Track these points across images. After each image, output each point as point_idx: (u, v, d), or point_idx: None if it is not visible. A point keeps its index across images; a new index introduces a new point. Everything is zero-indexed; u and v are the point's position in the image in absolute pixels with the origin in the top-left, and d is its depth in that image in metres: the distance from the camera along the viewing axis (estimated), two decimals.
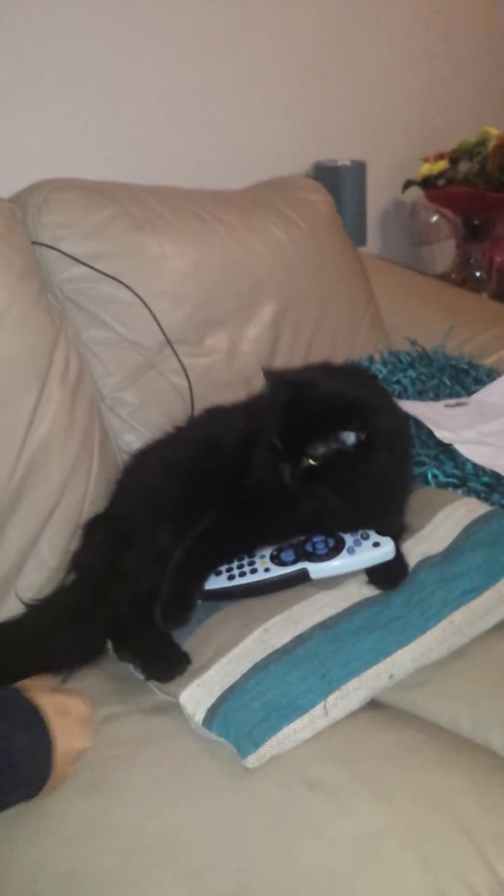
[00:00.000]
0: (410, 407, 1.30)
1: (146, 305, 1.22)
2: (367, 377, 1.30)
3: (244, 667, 0.85)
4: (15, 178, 1.25)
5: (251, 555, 0.98)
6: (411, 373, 1.45)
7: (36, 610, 1.01)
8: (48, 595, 1.04)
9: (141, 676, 0.90)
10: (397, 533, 1.00)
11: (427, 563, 0.98)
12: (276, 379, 0.99)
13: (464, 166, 2.25)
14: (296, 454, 0.93)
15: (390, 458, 0.95)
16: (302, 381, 0.98)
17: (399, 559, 0.97)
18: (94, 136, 1.50)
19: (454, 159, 2.25)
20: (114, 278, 1.20)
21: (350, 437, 0.91)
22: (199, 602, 0.96)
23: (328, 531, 0.97)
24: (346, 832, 0.71)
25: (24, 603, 1.02)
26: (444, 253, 2.27)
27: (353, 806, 0.74)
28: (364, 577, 0.96)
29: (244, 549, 0.99)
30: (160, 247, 1.25)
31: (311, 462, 0.92)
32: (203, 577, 0.97)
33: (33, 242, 1.17)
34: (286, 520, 0.98)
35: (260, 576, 0.96)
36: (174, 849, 0.71)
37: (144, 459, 1.15)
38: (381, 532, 0.97)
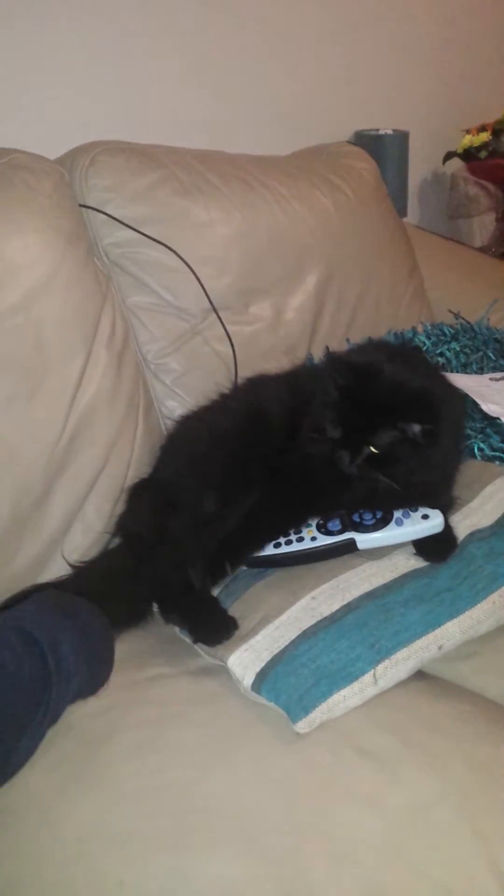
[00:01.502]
0: (455, 380, 1.28)
1: (192, 271, 1.21)
2: (427, 362, 1.27)
3: (292, 633, 0.85)
4: (61, 140, 1.24)
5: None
6: (454, 345, 1.43)
7: (82, 572, 1.02)
8: (94, 557, 1.05)
9: (188, 639, 0.90)
10: (446, 506, 0.99)
11: (476, 536, 0.97)
12: (339, 361, 0.95)
13: None
14: (357, 441, 0.91)
15: (450, 445, 0.94)
16: (366, 366, 0.94)
17: (447, 532, 0.96)
18: (140, 101, 1.49)
19: (497, 131, 2.20)
20: (160, 243, 1.19)
21: (416, 429, 0.89)
22: (245, 568, 0.96)
23: (378, 508, 0.96)
24: (398, 800, 0.71)
25: (70, 565, 1.03)
26: (484, 226, 2.23)
27: (405, 774, 0.74)
28: (411, 549, 0.96)
29: (292, 524, 0.99)
30: (207, 212, 1.24)
31: (373, 450, 0.91)
32: (251, 549, 0.97)
33: (81, 205, 1.16)
34: (335, 498, 0.98)
35: (306, 544, 0.96)
36: (226, 811, 0.71)
37: (190, 426, 1.14)
38: (429, 505, 0.96)
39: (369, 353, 1.09)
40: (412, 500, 0.96)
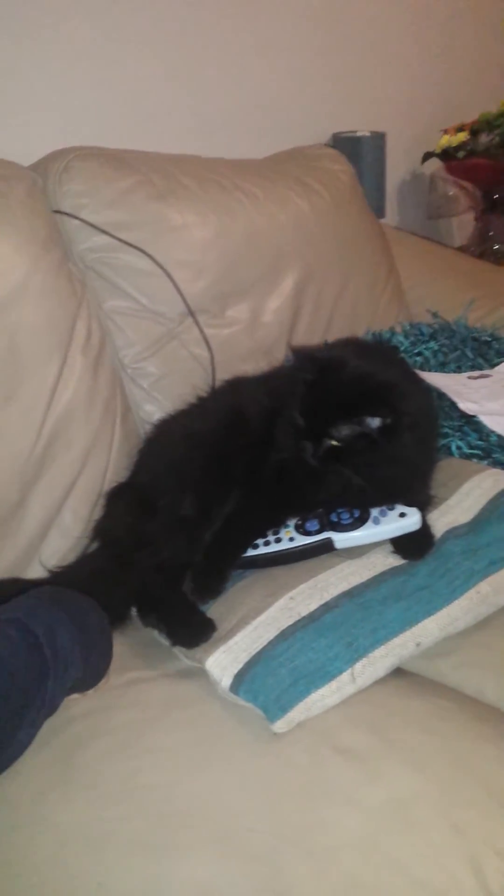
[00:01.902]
0: (433, 378, 1.29)
1: (168, 275, 1.21)
2: (395, 358, 1.28)
3: (270, 633, 0.85)
4: (35, 146, 1.24)
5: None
6: (433, 345, 1.43)
7: (60, 576, 1.01)
8: (72, 562, 1.05)
9: (166, 642, 0.90)
10: (423, 504, 0.99)
11: (453, 533, 0.97)
12: (304, 356, 0.97)
13: (484, 138, 2.21)
14: (318, 433, 0.92)
15: (414, 441, 0.94)
16: (330, 360, 0.96)
17: (425, 529, 0.96)
18: (114, 106, 1.49)
19: (474, 131, 2.21)
20: (136, 247, 1.19)
21: (375, 422, 0.90)
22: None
23: (354, 506, 0.96)
24: (377, 797, 0.72)
25: (48, 570, 1.03)
26: (463, 226, 2.25)
27: (383, 771, 0.74)
28: (389, 547, 0.96)
29: (272, 524, 0.99)
30: (182, 216, 1.24)
31: (334, 442, 0.91)
32: (238, 552, 0.97)
33: (55, 211, 1.16)
34: (312, 496, 0.98)
35: (285, 545, 0.96)
36: (204, 813, 0.71)
37: (167, 429, 1.15)
38: (406, 503, 0.96)
39: (339, 348, 1.10)
40: (384, 496, 0.96)
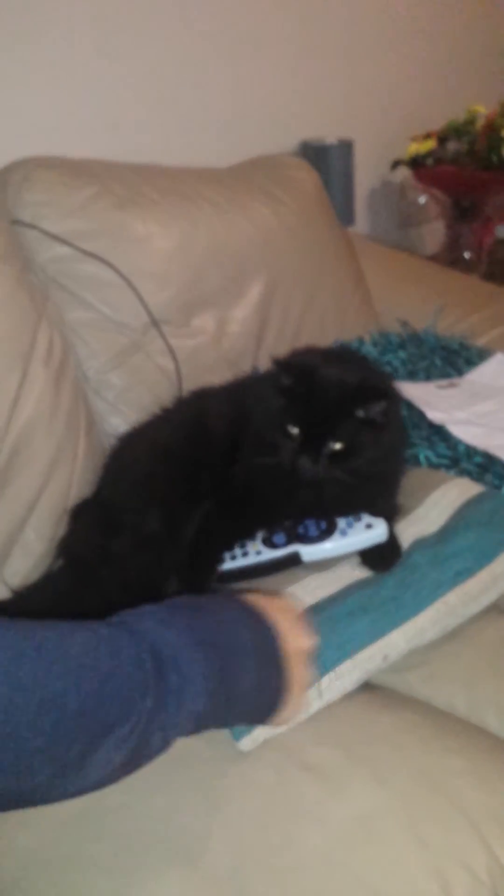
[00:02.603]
0: (402, 388, 1.28)
1: (131, 285, 1.20)
2: (358, 358, 1.29)
3: None
4: None
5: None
6: (402, 354, 1.43)
7: (23, 596, 0.99)
8: (35, 581, 1.02)
9: None
10: (390, 514, 0.98)
11: (420, 544, 0.96)
12: (285, 365, 0.96)
13: (452, 146, 2.23)
14: (318, 440, 0.91)
15: (396, 432, 0.96)
16: (308, 366, 0.95)
17: (392, 541, 0.95)
18: (75, 114, 1.47)
19: (442, 138, 2.22)
20: (97, 257, 1.18)
21: (377, 407, 0.91)
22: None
23: (324, 515, 0.95)
24: (342, 814, 0.70)
25: (11, 590, 1.00)
26: (434, 234, 2.25)
27: (349, 787, 0.73)
28: (356, 559, 0.95)
29: (241, 537, 0.98)
30: (144, 226, 1.23)
31: (336, 446, 0.91)
32: (223, 546, 0.97)
33: (13, 222, 1.14)
34: (282, 506, 0.97)
35: (252, 559, 0.95)
36: (168, 833, 0.69)
37: (131, 443, 1.13)
38: (374, 514, 0.95)
39: (305, 356, 1.10)
40: (359, 502, 0.96)
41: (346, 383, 0.93)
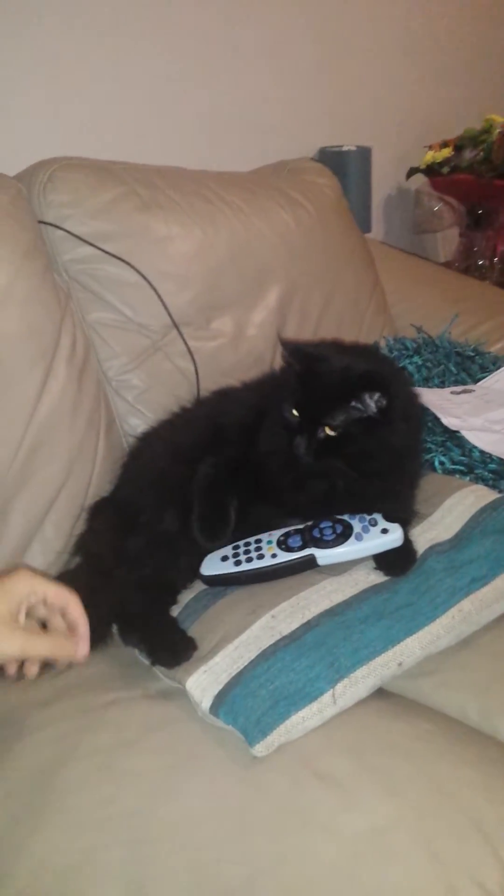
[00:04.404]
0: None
1: (152, 287, 1.20)
2: (379, 353, 1.31)
3: (251, 653, 0.84)
4: (19, 156, 1.23)
5: (258, 539, 0.97)
6: (416, 359, 1.43)
7: None
8: (53, 578, 1.03)
9: (147, 661, 0.89)
10: (406, 519, 0.99)
11: (435, 550, 0.97)
12: (293, 349, 0.98)
13: (468, 154, 2.23)
14: (313, 424, 0.92)
15: (406, 432, 0.96)
16: (317, 352, 0.97)
17: (407, 546, 0.96)
18: (100, 118, 1.48)
19: (459, 147, 2.23)
20: (120, 259, 1.18)
21: (371, 403, 0.91)
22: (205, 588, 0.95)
23: (337, 512, 0.96)
24: (354, 826, 0.70)
25: None
26: (448, 241, 2.26)
27: (361, 799, 0.72)
28: (371, 564, 0.95)
29: (252, 531, 0.98)
30: (167, 228, 1.23)
31: (329, 432, 0.92)
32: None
33: (39, 222, 1.15)
34: (294, 498, 0.97)
35: (267, 561, 0.95)
36: (179, 841, 0.69)
37: (150, 442, 1.14)
38: (390, 518, 0.96)
39: (325, 346, 1.11)
40: (371, 499, 0.96)
41: (349, 372, 0.94)
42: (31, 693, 0.85)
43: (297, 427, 0.94)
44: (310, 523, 0.97)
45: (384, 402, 0.92)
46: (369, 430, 0.93)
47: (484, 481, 1.12)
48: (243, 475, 1.00)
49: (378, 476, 0.96)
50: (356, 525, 0.95)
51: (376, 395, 0.91)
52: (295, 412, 0.94)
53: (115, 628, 0.94)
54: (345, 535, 0.95)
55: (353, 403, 0.92)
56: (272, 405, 1.01)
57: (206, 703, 0.80)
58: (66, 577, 1.03)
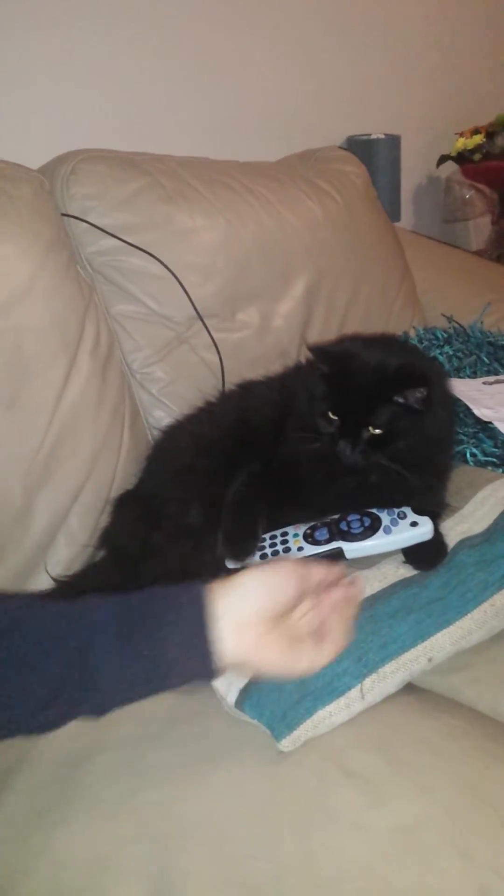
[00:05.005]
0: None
1: (177, 278, 1.19)
2: (406, 343, 1.28)
3: None
4: (42, 148, 1.23)
5: (284, 532, 0.96)
6: (447, 349, 1.40)
7: (65, 586, 0.99)
8: (78, 571, 1.03)
9: None
10: (437, 511, 0.96)
11: (467, 543, 0.94)
12: (318, 352, 0.96)
13: (500, 141, 2.19)
14: (356, 426, 0.90)
15: (445, 419, 0.94)
16: (345, 350, 0.95)
17: (437, 539, 0.93)
18: (122, 109, 1.48)
19: (490, 133, 2.19)
20: (144, 250, 1.18)
21: (416, 394, 0.89)
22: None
23: (365, 505, 0.94)
24: (383, 824, 0.68)
25: (53, 579, 1.01)
26: (479, 229, 2.22)
27: (391, 796, 0.70)
28: (400, 557, 0.93)
29: (281, 517, 0.97)
30: (191, 219, 1.22)
31: (375, 432, 0.90)
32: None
33: (62, 214, 1.15)
34: (322, 497, 0.96)
35: (293, 555, 0.94)
36: (205, 836, 0.68)
37: (175, 435, 1.13)
38: (420, 511, 0.93)
39: (348, 342, 1.08)
40: (402, 493, 0.94)
41: (385, 368, 0.92)
42: None
43: (339, 431, 0.91)
44: (336, 516, 0.95)
45: (425, 392, 0.90)
46: (412, 422, 0.91)
47: None
48: (273, 479, 0.99)
49: (418, 468, 0.94)
50: (385, 518, 0.93)
51: (419, 390, 0.89)
52: (333, 416, 0.91)
53: None
54: (373, 527, 0.93)
55: (396, 399, 0.90)
56: (297, 395, 0.99)
57: (231, 697, 0.79)
58: (91, 570, 1.03)
